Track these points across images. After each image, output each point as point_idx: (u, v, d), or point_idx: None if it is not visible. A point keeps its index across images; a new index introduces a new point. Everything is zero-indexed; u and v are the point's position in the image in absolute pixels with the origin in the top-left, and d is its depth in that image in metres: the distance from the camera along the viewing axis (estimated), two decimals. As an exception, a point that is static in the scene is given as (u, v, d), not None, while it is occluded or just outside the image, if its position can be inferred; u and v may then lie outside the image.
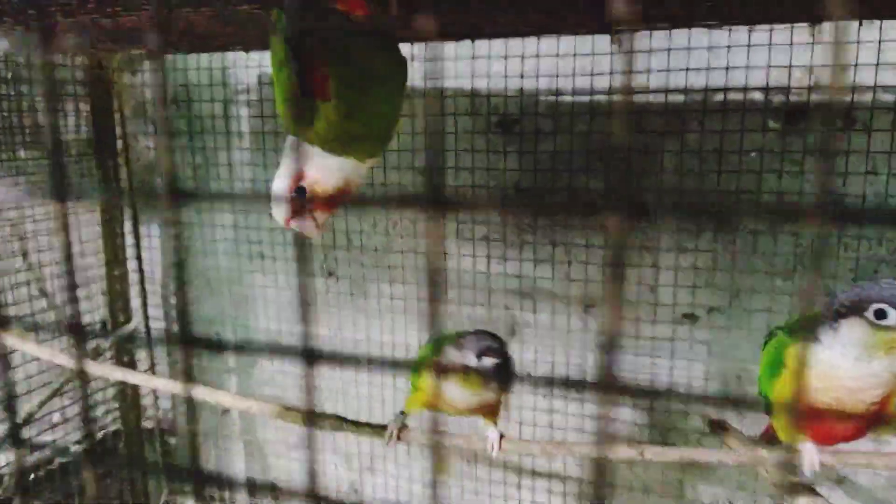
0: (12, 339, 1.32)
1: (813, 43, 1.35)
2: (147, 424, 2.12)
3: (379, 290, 1.78)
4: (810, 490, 1.01)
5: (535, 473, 1.75)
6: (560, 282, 1.61)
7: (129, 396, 2.04)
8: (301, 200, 0.91)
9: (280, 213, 0.92)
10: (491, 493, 1.79)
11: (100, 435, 2.02)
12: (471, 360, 0.94)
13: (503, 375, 0.96)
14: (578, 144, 1.52)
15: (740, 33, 1.36)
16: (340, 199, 0.93)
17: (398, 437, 1.05)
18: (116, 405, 2.03)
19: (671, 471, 1.63)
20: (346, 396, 1.86)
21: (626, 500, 1.67)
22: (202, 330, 2.05)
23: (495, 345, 0.97)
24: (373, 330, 1.80)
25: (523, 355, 1.66)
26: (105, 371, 1.15)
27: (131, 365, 2.03)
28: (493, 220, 1.63)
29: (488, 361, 0.94)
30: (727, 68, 1.40)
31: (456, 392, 0.96)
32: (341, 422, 1.07)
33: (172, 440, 2.16)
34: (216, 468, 2.12)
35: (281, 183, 0.92)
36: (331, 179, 0.90)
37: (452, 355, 0.95)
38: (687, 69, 1.42)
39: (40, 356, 1.27)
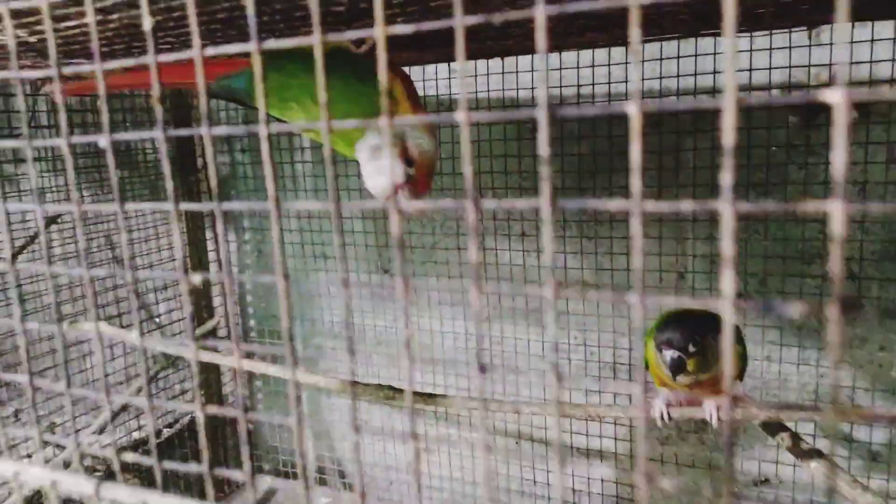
0: (115, 331, 1.57)
1: (831, 44, 1.45)
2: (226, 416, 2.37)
3: (427, 285, 1.96)
4: (819, 453, 1.13)
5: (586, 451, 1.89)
6: (591, 272, 1.75)
7: (212, 385, 2.29)
8: (409, 175, 1.02)
9: (384, 188, 1.02)
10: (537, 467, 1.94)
11: (186, 420, 2.27)
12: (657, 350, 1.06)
13: (695, 362, 1.04)
14: (605, 146, 1.65)
15: (762, 38, 1.47)
16: (433, 176, 1.06)
17: (667, 416, 1.14)
18: (202, 392, 2.29)
19: (703, 446, 1.74)
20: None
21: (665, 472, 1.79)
22: (271, 325, 2.29)
23: (675, 336, 1.04)
24: (423, 320, 1.98)
25: (560, 343, 1.81)
26: (215, 358, 1.37)
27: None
28: (527, 217, 1.78)
29: (667, 355, 1.04)
30: (750, 70, 1.50)
31: (665, 372, 1.07)
32: (411, 395, 1.24)
33: (250, 426, 2.41)
34: (290, 448, 2.35)
35: (386, 162, 1.01)
36: (426, 155, 1.03)
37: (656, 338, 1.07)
38: (714, 72, 1.53)
39: (150, 346, 1.50)
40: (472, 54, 1.60)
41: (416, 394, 1.26)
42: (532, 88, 1.69)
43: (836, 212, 0.22)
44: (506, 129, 1.76)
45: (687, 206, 0.24)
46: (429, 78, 1.78)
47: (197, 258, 2.16)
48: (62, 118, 0.36)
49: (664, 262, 1.67)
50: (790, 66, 1.47)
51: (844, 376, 1.56)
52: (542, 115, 0.25)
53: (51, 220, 1.99)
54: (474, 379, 1.91)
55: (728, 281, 0.25)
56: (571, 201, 0.26)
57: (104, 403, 0.39)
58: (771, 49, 1.46)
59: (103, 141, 0.35)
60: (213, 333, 2.25)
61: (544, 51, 0.25)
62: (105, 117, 0.35)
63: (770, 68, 1.49)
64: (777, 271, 1.58)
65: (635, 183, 0.25)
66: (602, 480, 1.86)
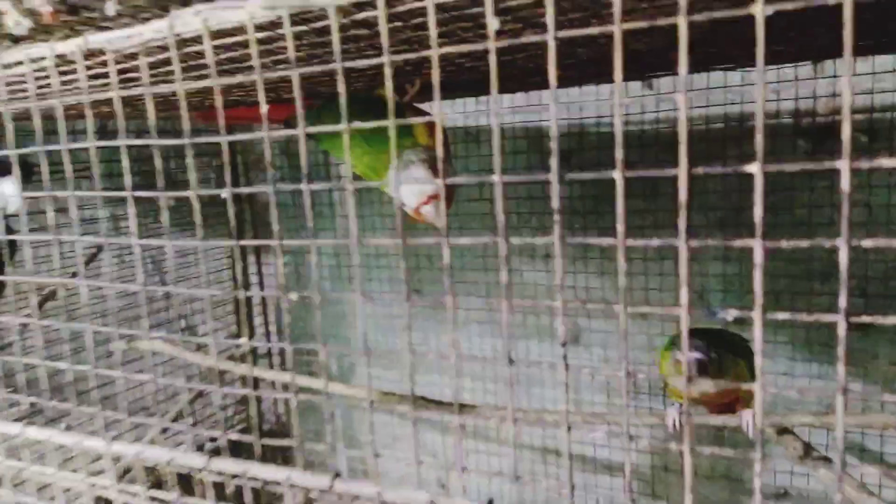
0: (169, 347, 1.70)
1: (834, 76, 1.54)
2: (265, 426, 2.49)
3: (457, 303, 2.07)
4: (827, 460, 1.20)
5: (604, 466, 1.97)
6: (614, 291, 1.84)
7: (250, 401, 2.42)
8: (437, 189, 1.13)
9: (414, 199, 1.14)
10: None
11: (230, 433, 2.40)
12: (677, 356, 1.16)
13: (710, 370, 1.11)
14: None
15: (771, 71, 1.57)
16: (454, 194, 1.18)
17: (679, 424, 1.21)
18: (243, 408, 2.42)
19: (720, 459, 1.81)
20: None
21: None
22: (309, 343, 2.41)
23: (699, 342, 1.12)
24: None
25: (583, 358, 1.90)
26: (261, 373, 1.49)
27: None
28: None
29: (691, 356, 1.12)
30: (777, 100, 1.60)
31: (679, 383, 1.18)
32: (439, 404, 1.35)
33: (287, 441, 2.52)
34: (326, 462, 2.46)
35: (419, 173, 1.14)
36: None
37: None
38: (725, 104, 1.63)
39: (195, 361, 1.63)
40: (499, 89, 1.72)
41: (447, 404, 1.36)
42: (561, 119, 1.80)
43: (843, 247, 0.33)
44: (529, 159, 1.87)
45: (655, 242, 0.35)
46: (458, 111, 1.90)
47: (243, 279, 2.30)
48: (192, 176, 0.48)
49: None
50: (796, 98, 1.57)
51: (856, 389, 1.63)
52: (553, 178, 0.36)
53: (100, 249, 2.14)
54: (501, 394, 2.00)
55: (685, 295, 0.35)
56: (573, 238, 0.36)
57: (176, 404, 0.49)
58: (779, 81, 1.56)
59: (224, 193, 0.47)
60: (252, 352, 2.38)
61: (554, 99, 0.36)
62: (227, 173, 0.47)
63: (778, 100, 1.59)
64: (786, 289, 1.66)
65: (619, 228, 0.35)
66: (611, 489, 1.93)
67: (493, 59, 0.36)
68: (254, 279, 2.34)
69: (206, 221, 0.88)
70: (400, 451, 2.26)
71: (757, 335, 0.34)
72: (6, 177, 0.89)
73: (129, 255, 2.10)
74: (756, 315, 0.34)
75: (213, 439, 2.36)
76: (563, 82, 1.68)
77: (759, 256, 0.33)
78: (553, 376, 1.97)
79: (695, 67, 1.53)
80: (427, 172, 1.15)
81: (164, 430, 2.03)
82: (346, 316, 2.31)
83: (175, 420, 2.15)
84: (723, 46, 1.15)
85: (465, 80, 1.27)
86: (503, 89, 1.76)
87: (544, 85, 1.69)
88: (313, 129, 0.45)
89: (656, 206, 1.71)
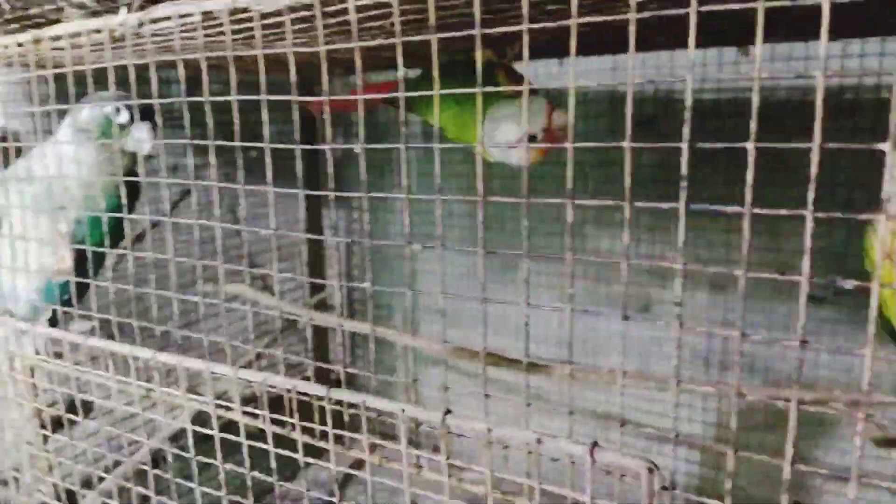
0: (252, 292, 1.79)
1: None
2: (332, 376, 2.61)
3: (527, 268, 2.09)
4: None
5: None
6: (691, 260, 1.81)
7: (319, 351, 2.52)
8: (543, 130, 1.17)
9: (513, 136, 1.18)
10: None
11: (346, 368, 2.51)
12: None
13: None
14: (706, 140, 1.71)
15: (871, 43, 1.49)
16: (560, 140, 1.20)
17: None
18: (311, 356, 2.53)
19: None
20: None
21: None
22: (377, 299, 2.49)
23: None
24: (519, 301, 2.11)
25: (654, 329, 1.89)
26: (330, 321, 1.56)
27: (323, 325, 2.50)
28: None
29: None
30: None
31: None
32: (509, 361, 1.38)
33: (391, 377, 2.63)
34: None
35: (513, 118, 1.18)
36: (560, 120, 1.19)
37: None
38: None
39: (281, 308, 1.72)
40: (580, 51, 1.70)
41: (517, 361, 1.40)
42: (645, 82, 1.77)
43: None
44: (611, 123, 1.85)
45: (783, 212, 0.36)
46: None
47: (317, 230, 2.39)
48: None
49: (763, 256, 1.72)
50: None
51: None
52: (684, 147, 0.38)
53: (185, 193, 2.25)
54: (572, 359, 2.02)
55: (807, 264, 0.36)
56: (696, 205, 0.38)
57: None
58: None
59: (357, 147, 0.50)
60: (323, 304, 2.48)
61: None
62: (361, 129, 0.50)
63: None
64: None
65: (747, 197, 0.36)
66: (687, 461, 1.94)
67: (632, 30, 0.37)
68: (329, 233, 2.42)
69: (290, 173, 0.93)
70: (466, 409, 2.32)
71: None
72: (142, 122, 0.95)
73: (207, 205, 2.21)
74: None
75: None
76: (648, 46, 1.64)
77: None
78: (621, 344, 1.98)
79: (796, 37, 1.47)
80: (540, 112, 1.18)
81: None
82: (417, 273, 2.36)
83: (255, 359, 2.27)
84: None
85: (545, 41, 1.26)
86: (583, 52, 1.73)
87: (624, 49, 1.66)
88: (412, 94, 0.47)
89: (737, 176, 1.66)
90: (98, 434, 0.81)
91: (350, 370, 0.64)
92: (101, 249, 0.79)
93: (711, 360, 1.84)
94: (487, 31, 0.40)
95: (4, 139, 1.08)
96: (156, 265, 0.74)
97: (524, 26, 0.38)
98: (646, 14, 0.37)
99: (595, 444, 0.42)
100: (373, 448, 0.57)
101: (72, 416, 0.82)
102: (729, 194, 1.71)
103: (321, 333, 2.52)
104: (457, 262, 2.24)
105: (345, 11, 0.50)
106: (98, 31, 0.74)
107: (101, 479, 0.96)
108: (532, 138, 1.19)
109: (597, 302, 2.00)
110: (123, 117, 0.97)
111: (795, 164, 1.65)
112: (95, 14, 0.88)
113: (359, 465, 0.80)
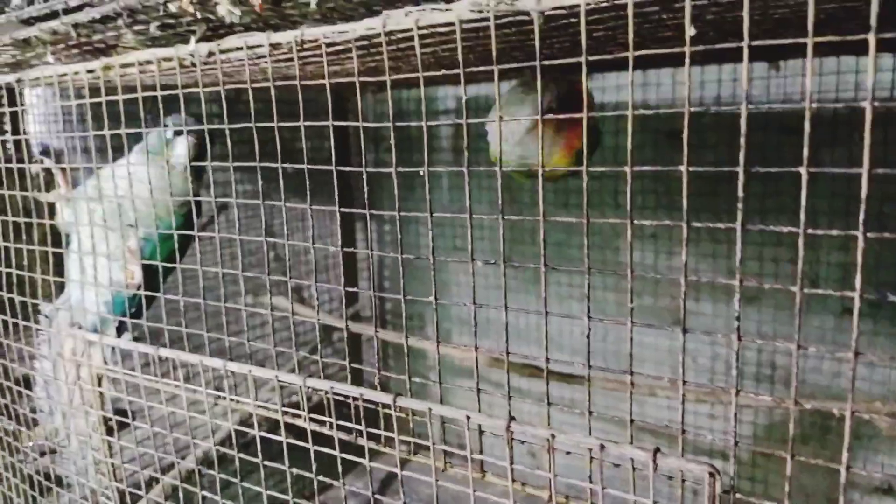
0: (286, 303, 1.84)
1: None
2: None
3: (557, 280, 2.11)
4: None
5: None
6: (724, 274, 1.83)
7: (352, 356, 2.56)
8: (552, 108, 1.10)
9: (528, 112, 1.12)
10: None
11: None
12: None
13: None
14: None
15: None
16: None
17: None
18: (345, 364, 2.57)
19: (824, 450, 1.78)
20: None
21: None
22: (408, 310, 2.52)
23: None
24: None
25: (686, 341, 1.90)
26: (366, 329, 1.60)
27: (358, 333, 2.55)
28: (659, 218, 1.88)
29: None
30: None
31: None
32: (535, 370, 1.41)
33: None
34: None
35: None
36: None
37: None
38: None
39: (316, 319, 1.76)
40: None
41: (555, 373, 1.42)
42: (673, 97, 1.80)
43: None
44: (641, 139, 1.87)
45: (834, 233, 0.39)
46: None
47: (348, 245, 2.43)
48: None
49: (791, 269, 1.73)
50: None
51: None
52: (740, 170, 0.41)
53: (221, 207, 2.31)
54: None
55: (859, 281, 0.39)
56: (754, 226, 0.41)
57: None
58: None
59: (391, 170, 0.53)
60: (356, 316, 2.52)
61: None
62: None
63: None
64: None
65: (802, 217, 0.39)
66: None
67: (687, 64, 0.40)
68: (361, 245, 2.47)
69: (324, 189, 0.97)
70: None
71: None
72: (180, 137, 1.01)
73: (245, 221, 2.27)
74: None
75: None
76: (676, 63, 1.67)
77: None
78: (653, 356, 1.99)
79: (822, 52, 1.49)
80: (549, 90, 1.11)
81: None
82: (448, 285, 2.40)
83: (297, 368, 2.33)
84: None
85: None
86: (616, 67, 1.76)
87: (661, 63, 1.69)
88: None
89: (777, 189, 1.66)
90: (155, 437, 0.85)
91: (398, 376, 0.67)
92: (169, 265, 0.83)
93: (747, 371, 1.84)
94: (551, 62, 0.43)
95: (48, 155, 1.15)
96: (204, 277, 0.79)
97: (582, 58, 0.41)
98: (699, 48, 0.40)
99: (657, 449, 0.45)
100: (436, 454, 0.60)
101: (137, 423, 0.87)
102: (760, 207, 1.71)
103: (356, 344, 2.56)
104: (487, 274, 2.27)
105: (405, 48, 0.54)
106: (169, 59, 0.79)
107: (155, 481, 1.00)
108: (549, 112, 1.11)
109: (626, 314, 2.01)
110: (170, 133, 1.03)
111: (824, 175, 1.66)
112: (154, 40, 0.93)
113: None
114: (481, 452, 0.56)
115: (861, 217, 0.38)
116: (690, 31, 0.40)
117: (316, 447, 0.64)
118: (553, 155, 1.17)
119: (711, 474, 0.44)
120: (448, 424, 0.59)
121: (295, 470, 0.73)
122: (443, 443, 0.64)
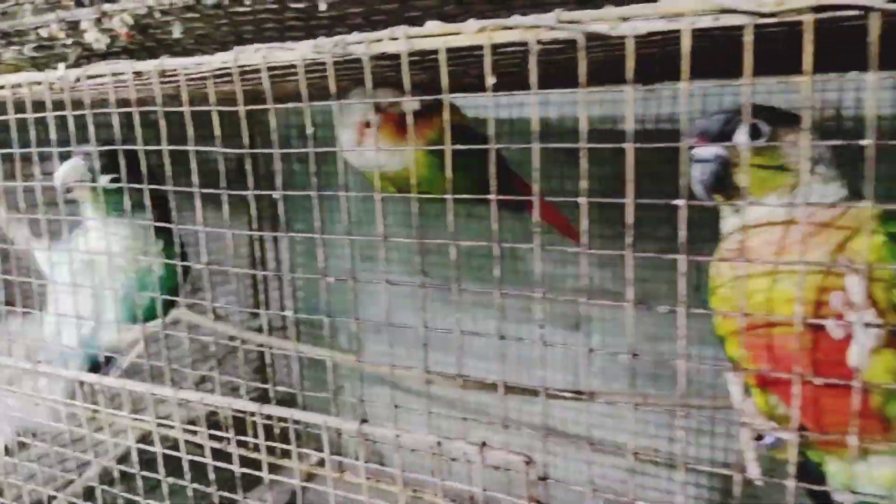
0: (197, 318, 1.82)
1: None
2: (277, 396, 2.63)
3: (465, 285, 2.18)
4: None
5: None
6: (618, 281, 1.94)
7: (264, 370, 2.55)
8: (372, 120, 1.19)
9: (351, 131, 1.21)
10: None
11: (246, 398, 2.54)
12: None
13: None
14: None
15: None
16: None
17: None
18: (257, 377, 2.56)
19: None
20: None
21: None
22: (319, 320, 2.53)
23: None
24: (459, 320, 2.19)
25: (583, 344, 2.01)
26: (282, 343, 1.61)
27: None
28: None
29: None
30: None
31: None
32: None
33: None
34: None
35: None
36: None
37: None
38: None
39: (227, 332, 1.76)
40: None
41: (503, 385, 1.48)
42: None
43: None
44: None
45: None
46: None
47: (261, 255, 2.43)
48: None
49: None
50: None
51: None
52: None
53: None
54: (507, 375, 2.11)
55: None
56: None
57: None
58: None
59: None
60: (268, 326, 2.51)
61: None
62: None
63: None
64: None
65: (582, 224, 0.46)
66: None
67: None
68: (270, 255, 2.47)
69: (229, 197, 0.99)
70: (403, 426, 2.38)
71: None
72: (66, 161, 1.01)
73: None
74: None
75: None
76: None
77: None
78: (553, 358, 2.08)
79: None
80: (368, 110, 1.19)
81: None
82: (359, 293, 2.43)
83: (200, 383, 2.29)
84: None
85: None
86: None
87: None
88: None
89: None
90: (48, 456, 0.85)
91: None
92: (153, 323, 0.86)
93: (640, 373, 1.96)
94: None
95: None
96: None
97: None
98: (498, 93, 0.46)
99: (483, 444, 0.50)
100: (302, 459, 0.64)
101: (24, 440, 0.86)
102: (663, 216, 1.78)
103: (263, 357, 2.55)
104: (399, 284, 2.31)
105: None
106: (38, 83, 0.80)
107: (52, 499, 0.99)
108: (367, 126, 1.20)
109: (529, 318, 2.09)
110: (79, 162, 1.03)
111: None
112: (33, 59, 0.94)
113: (309, 478, 0.86)
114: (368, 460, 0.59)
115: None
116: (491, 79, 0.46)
117: (216, 462, 0.67)
118: (405, 154, 1.22)
119: (527, 462, 0.50)
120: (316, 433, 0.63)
121: (195, 485, 0.75)
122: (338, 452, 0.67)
